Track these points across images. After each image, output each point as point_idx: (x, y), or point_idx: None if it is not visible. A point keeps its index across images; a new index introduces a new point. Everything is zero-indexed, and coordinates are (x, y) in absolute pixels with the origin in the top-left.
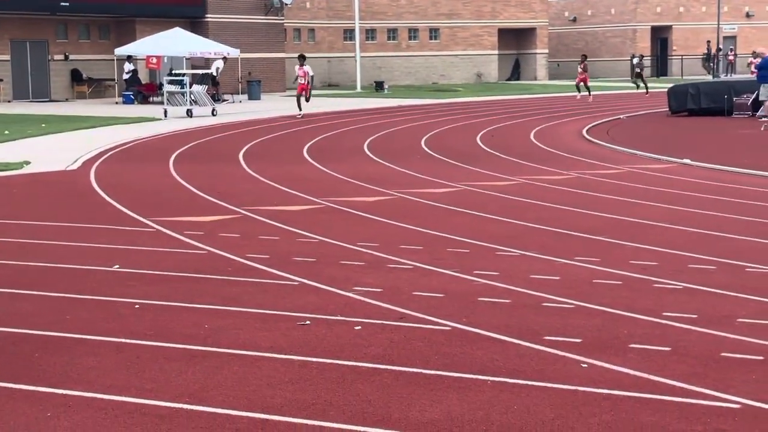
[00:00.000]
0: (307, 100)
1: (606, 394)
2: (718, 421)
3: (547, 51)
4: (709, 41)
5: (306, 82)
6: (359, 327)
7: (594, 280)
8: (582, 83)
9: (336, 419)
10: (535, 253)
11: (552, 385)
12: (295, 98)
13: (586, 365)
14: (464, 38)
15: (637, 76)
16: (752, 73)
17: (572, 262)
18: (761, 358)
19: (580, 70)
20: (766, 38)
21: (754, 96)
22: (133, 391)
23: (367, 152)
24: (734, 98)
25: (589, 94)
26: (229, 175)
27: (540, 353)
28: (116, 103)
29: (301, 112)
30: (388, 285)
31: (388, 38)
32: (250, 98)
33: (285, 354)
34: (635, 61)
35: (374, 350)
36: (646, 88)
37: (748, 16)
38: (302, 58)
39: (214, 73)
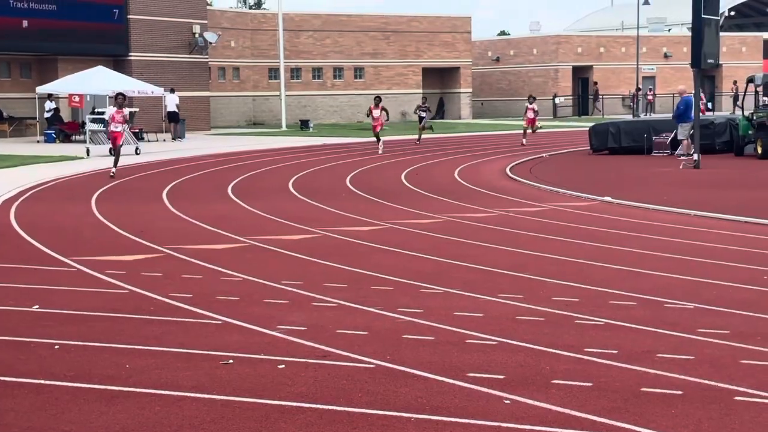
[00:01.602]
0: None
1: (529, 429)
2: None
3: (471, 90)
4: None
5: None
6: (283, 365)
7: (517, 317)
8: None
9: None
10: (458, 290)
11: (475, 421)
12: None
13: (509, 401)
14: (389, 77)
15: (420, 120)
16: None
17: (496, 299)
18: (680, 392)
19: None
20: (684, 78)
21: (672, 135)
22: None
23: (292, 190)
24: (654, 137)
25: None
26: (152, 214)
27: (463, 390)
28: (38, 141)
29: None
30: (312, 323)
31: (313, 77)
32: (173, 138)
33: (208, 393)
34: (420, 103)
35: (298, 388)
36: (419, 136)
37: (666, 56)
38: (377, 99)
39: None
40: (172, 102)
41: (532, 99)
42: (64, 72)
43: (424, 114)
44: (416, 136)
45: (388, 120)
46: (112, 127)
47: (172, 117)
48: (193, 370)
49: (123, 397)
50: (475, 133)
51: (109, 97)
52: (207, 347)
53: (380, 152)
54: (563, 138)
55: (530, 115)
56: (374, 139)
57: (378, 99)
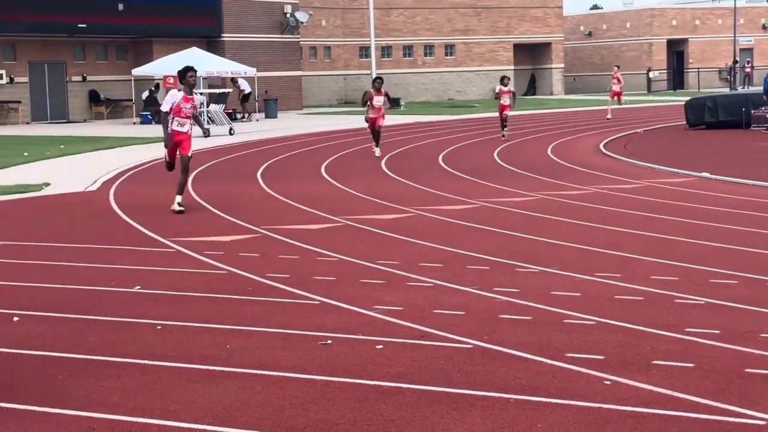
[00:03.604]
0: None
1: (630, 411)
2: None
3: (563, 65)
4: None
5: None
6: (381, 346)
7: (615, 296)
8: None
9: None
10: (554, 269)
11: (575, 402)
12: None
13: (609, 382)
14: (480, 54)
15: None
16: None
17: (593, 278)
18: None
19: (615, 82)
20: None
21: None
22: (157, 413)
23: (385, 170)
24: (752, 111)
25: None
26: (247, 194)
27: (562, 370)
28: (134, 123)
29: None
30: (408, 303)
31: (404, 55)
32: (267, 116)
33: (307, 374)
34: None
35: (396, 369)
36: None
37: (764, 28)
38: (379, 81)
39: (247, 91)
40: (245, 84)
41: (615, 68)
42: (159, 54)
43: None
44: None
45: (390, 108)
46: (175, 125)
47: (245, 98)
48: (292, 350)
49: (224, 377)
50: (567, 109)
51: (203, 78)
52: (305, 327)
53: (377, 155)
54: (658, 113)
55: (615, 87)
56: (465, 116)
57: (379, 81)
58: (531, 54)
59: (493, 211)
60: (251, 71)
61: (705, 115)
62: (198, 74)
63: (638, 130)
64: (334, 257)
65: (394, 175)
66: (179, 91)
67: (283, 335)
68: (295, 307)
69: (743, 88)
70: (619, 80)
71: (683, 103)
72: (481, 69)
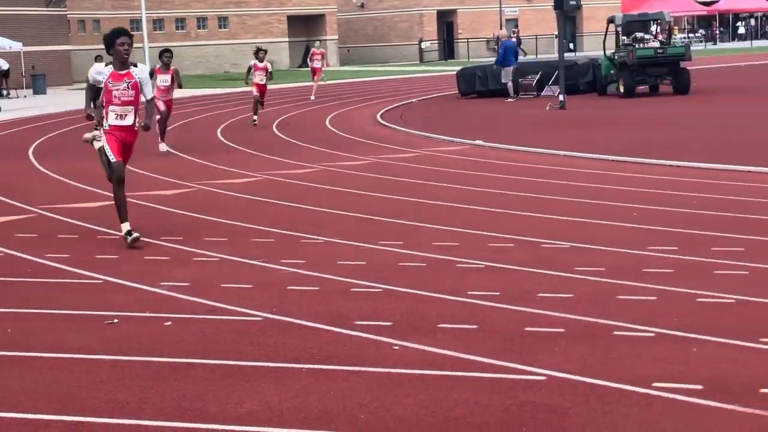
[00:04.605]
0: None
1: (419, 374)
2: (526, 393)
3: (337, 37)
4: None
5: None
6: (169, 323)
7: (399, 263)
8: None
9: (152, 417)
10: (339, 239)
11: (366, 369)
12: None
13: (398, 347)
14: (253, 26)
15: None
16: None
17: (377, 246)
18: (563, 330)
19: (318, 58)
20: (546, 20)
21: (537, 77)
22: None
23: (164, 145)
24: (520, 79)
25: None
26: (19, 173)
27: (352, 338)
28: None
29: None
30: (195, 278)
31: (177, 27)
32: (35, 93)
33: (95, 354)
34: None
35: (186, 345)
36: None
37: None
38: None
39: (5, 67)
40: (1, 61)
41: (317, 43)
42: None
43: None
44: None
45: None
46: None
47: (5, 74)
48: (78, 331)
49: (8, 361)
50: (343, 81)
51: None
52: (90, 308)
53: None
54: (431, 83)
55: (316, 63)
56: (241, 89)
57: (168, 55)
58: (305, 26)
59: (274, 183)
60: (16, 46)
61: (476, 84)
62: None
63: (413, 100)
64: (115, 234)
65: (172, 151)
66: None
67: (68, 317)
68: (78, 287)
69: None
70: (322, 56)
71: (455, 72)
72: (255, 41)
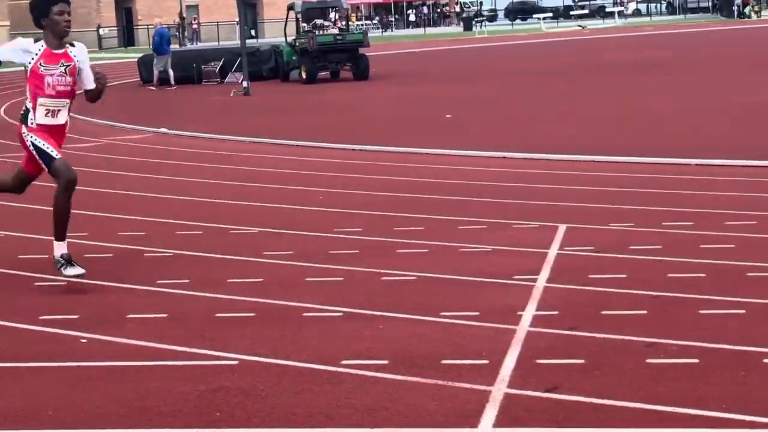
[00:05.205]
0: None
1: (110, 366)
2: (220, 378)
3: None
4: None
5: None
6: None
7: (85, 255)
8: None
9: None
10: (22, 234)
11: (53, 364)
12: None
13: (85, 340)
14: None
15: None
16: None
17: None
18: (254, 314)
19: None
20: (227, 5)
21: (221, 64)
22: None
23: None
24: (202, 66)
25: None
26: None
27: (37, 334)
28: None
29: None
30: None
31: None
32: None
33: None
34: None
35: None
36: None
37: None
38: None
39: None
40: None
41: None
42: None
43: None
44: None
45: None
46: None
47: None
48: None
49: None
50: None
51: None
52: None
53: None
54: (114, 70)
55: None
56: None
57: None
58: None
59: None
60: None
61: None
62: None
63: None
64: None
65: None
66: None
67: None
68: None
69: (192, 44)
70: None
71: (136, 60)
72: None
